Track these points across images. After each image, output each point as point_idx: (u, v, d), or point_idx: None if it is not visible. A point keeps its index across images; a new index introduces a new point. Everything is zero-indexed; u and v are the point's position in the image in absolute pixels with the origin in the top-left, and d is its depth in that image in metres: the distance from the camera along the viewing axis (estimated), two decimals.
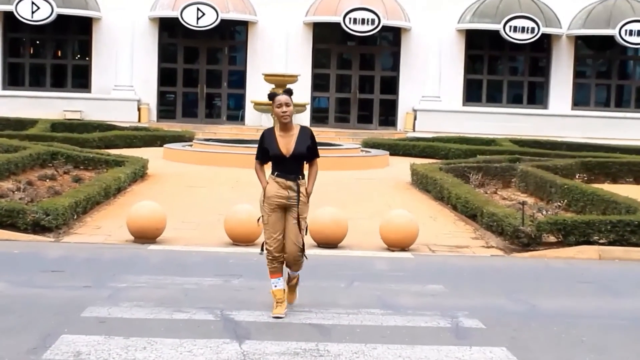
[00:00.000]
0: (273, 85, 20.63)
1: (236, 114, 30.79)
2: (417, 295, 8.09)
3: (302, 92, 27.35)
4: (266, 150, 6.98)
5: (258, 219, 7.18)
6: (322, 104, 31.54)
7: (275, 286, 7.01)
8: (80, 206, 11.84)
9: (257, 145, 7.14)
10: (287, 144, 6.91)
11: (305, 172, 7.15)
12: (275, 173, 6.96)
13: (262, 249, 7.14)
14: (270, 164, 7.11)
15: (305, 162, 7.05)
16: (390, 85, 30.65)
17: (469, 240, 11.64)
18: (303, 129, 7.03)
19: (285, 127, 6.94)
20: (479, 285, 8.80)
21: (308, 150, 6.98)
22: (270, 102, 7.01)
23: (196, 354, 5.89)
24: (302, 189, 6.98)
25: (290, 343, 6.14)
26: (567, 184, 14.06)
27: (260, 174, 7.05)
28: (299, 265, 7.11)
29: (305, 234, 7.06)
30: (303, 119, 28.55)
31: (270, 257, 7.03)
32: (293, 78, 21.52)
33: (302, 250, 7.00)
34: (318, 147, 7.18)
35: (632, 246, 10.85)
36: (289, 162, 6.92)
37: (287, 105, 6.90)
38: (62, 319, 6.72)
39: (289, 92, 7.03)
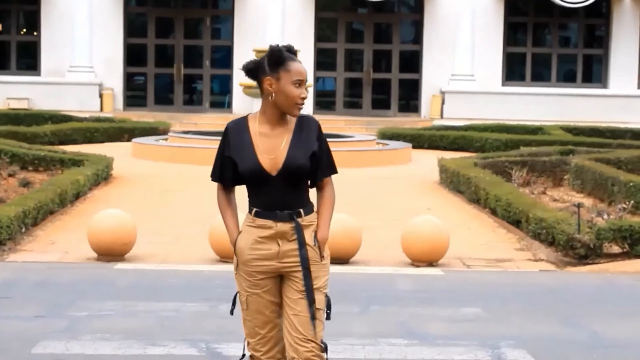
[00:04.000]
0: None
1: (221, 100, 30.81)
2: (449, 321, 8.08)
3: None
4: (230, 161, 4.80)
5: (234, 299, 4.96)
6: (327, 86, 31.54)
7: None
8: (29, 216, 11.84)
9: (221, 140, 4.92)
10: (273, 150, 4.74)
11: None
12: (254, 211, 4.78)
13: (243, 354, 4.99)
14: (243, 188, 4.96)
15: (310, 183, 4.88)
16: (412, 62, 30.64)
17: (512, 252, 11.62)
18: (304, 120, 4.87)
19: (277, 118, 4.82)
20: (525, 308, 8.79)
21: (314, 161, 4.78)
22: (269, 74, 4.76)
23: None
24: (309, 234, 4.80)
25: None
26: (634, 180, 14.03)
27: (226, 210, 4.89)
28: None
29: (327, 319, 4.87)
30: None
31: None
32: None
33: (324, 349, 4.80)
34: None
35: None
36: (279, 187, 4.73)
37: (305, 83, 4.84)
38: (9, 357, 6.71)
39: (295, 54, 4.90)
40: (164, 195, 15.13)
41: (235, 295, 4.93)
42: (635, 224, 11.04)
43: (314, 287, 4.77)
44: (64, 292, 8.93)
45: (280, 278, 4.83)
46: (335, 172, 4.92)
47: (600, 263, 10.85)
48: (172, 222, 12.91)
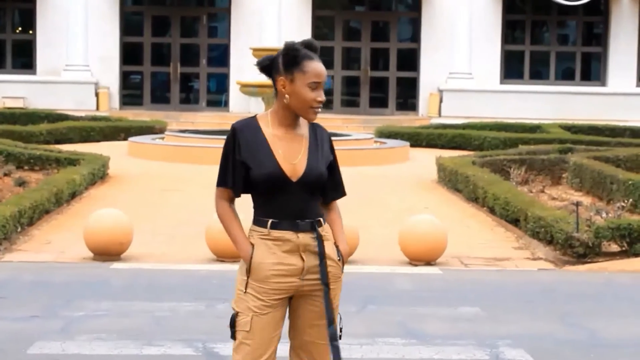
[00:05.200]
0: None
1: (218, 99, 30.81)
2: (447, 321, 8.09)
3: None
4: (245, 166, 4.36)
5: (232, 320, 4.36)
6: (324, 85, 31.50)
7: None
8: (25, 216, 11.83)
9: (228, 141, 4.49)
10: (292, 155, 4.36)
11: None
12: (269, 222, 4.33)
13: None
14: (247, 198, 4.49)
15: (327, 195, 4.52)
16: (410, 61, 30.64)
17: (511, 251, 11.62)
18: (317, 127, 4.49)
19: (291, 121, 4.42)
20: (524, 307, 8.79)
21: (330, 172, 4.48)
22: (283, 74, 4.35)
23: None
24: (329, 248, 4.41)
25: None
26: (633, 179, 14.04)
27: (232, 222, 4.41)
28: None
29: (340, 338, 4.43)
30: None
31: None
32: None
33: None
34: None
35: None
36: (298, 195, 4.33)
37: (322, 85, 4.40)
38: (5, 357, 6.71)
39: (316, 50, 4.43)
40: (161, 195, 15.13)
41: (233, 317, 4.33)
42: (634, 223, 11.04)
43: (334, 306, 4.40)
44: (59, 292, 8.92)
45: (289, 299, 4.38)
46: (345, 194, 4.62)
47: (598, 262, 10.85)
48: (168, 221, 12.91)
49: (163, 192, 15.39)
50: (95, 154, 17.14)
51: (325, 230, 4.38)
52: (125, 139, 22.30)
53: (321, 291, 4.33)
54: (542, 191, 15.19)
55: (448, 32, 29.89)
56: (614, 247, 11.08)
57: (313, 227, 4.31)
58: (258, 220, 4.33)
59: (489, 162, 16.67)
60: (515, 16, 30.91)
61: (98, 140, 22.90)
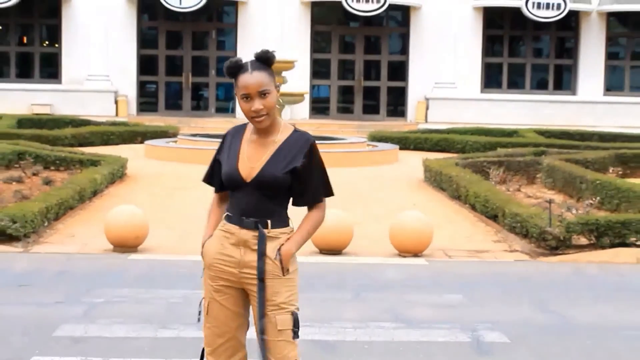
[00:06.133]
0: None
1: (226, 106, 30.76)
2: (433, 307, 8.09)
3: (300, 79, 27.32)
4: (218, 164, 4.40)
5: (200, 306, 4.43)
6: (322, 93, 31.48)
7: None
8: (51, 212, 11.83)
9: (219, 144, 4.50)
10: (254, 159, 4.27)
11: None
12: (225, 215, 4.34)
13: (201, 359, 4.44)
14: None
15: (293, 200, 4.35)
16: (399, 71, 30.61)
17: (490, 243, 11.62)
18: (297, 135, 4.30)
19: (264, 128, 4.29)
20: (502, 294, 8.79)
21: (294, 178, 4.25)
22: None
23: None
24: (271, 247, 4.25)
25: None
26: (600, 179, 14.04)
27: (210, 214, 4.50)
28: None
29: (295, 337, 4.30)
30: (301, 110, 28.55)
31: None
32: (290, 64, 21.49)
33: None
34: (318, 146, 4.38)
35: None
36: (250, 195, 4.25)
37: (263, 94, 4.19)
38: (32, 339, 6.71)
39: (267, 61, 4.30)
40: (174, 193, 15.11)
41: (201, 300, 4.40)
42: (601, 219, 11.05)
43: (273, 302, 4.20)
44: (82, 280, 8.92)
45: (243, 289, 4.30)
46: (330, 194, 4.36)
47: (569, 253, 10.86)
48: (180, 216, 12.90)
49: (176, 190, 15.37)
50: (114, 155, 17.12)
51: (275, 232, 4.24)
52: (141, 142, 22.27)
53: (260, 286, 4.20)
54: (519, 190, 15.18)
55: (434, 46, 29.87)
56: (583, 240, 11.09)
57: (256, 226, 4.21)
58: (225, 215, 4.36)
59: (470, 164, 16.66)
60: (495, 31, 30.88)
61: (117, 143, 22.86)
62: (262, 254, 4.20)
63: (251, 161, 4.24)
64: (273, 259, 4.22)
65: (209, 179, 4.45)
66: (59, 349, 6.46)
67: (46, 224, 11.62)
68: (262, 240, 4.21)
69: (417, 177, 17.36)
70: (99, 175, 14.63)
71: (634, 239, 10.89)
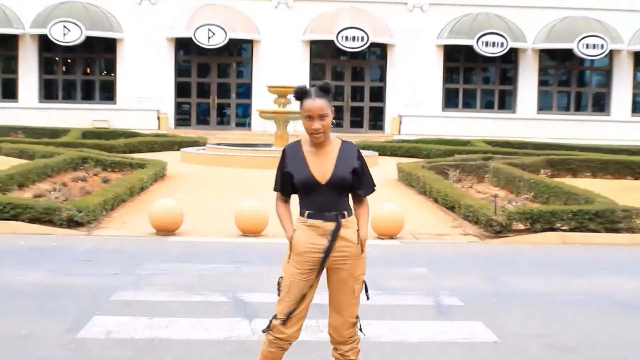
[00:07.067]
0: (276, 96, 20.54)
1: (244, 121, 30.75)
2: (405, 278, 8.09)
3: None
4: (289, 175, 4.22)
5: (278, 283, 4.29)
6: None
7: None
8: (108, 204, 11.83)
9: (280, 160, 4.30)
10: (322, 165, 4.19)
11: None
12: (306, 213, 4.21)
13: (268, 326, 4.30)
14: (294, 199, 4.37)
15: (350, 196, 4.33)
16: (378, 94, 30.61)
17: (449, 228, 11.63)
18: (346, 145, 4.32)
19: (319, 142, 4.24)
20: (458, 268, 8.80)
21: (355, 176, 4.25)
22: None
23: (212, 331, 5.90)
24: (350, 232, 4.22)
25: None
26: (534, 178, 14.07)
27: (284, 215, 4.34)
28: (355, 351, 4.38)
29: (367, 299, 4.50)
30: (300, 125, 28.51)
31: (274, 337, 4.28)
32: (293, 89, 21.53)
33: (357, 326, 4.39)
34: None
35: (591, 232, 10.87)
36: (327, 193, 4.17)
37: (322, 117, 4.16)
38: (94, 302, 6.72)
39: (326, 90, 4.23)
40: (203, 189, 15.11)
41: (279, 281, 4.25)
42: (535, 209, 11.08)
43: (353, 276, 4.24)
44: (132, 257, 8.92)
45: (321, 270, 4.25)
46: (373, 189, 4.42)
47: (510, 236, 10.88)
48: (208, 207, 12.90)
49: (205, 186, 15.37)
50: (157, 160, 17.11)
51: (348, 220, 4.21)
52: (178, 149, 22.27)
53: (343, 264, 4.21)
54: (471, 187, 15.20)
55: (405, 75, 29.89)
56: (521, 226, 11.10)
57: (337, 218, 4.16)
58: (301, 212, 4.23)
59: (434, 167, 16.67)
60: (452, 64, 30.89)
61: (159, 150, 22.85)
62: (334, 238, 4.16)
63: (321, 167, 4.17)
64: (355, 243, 4.22)
65: (280, 188, 4.30)
66: (114, 310, 6.47)
67: (104, 213, 11.62)
68: (337, 227, 4.16)
69: (392, 177, 17.38)
70: (145, 175, 14.63)
71: (560, 224, 10.92)
